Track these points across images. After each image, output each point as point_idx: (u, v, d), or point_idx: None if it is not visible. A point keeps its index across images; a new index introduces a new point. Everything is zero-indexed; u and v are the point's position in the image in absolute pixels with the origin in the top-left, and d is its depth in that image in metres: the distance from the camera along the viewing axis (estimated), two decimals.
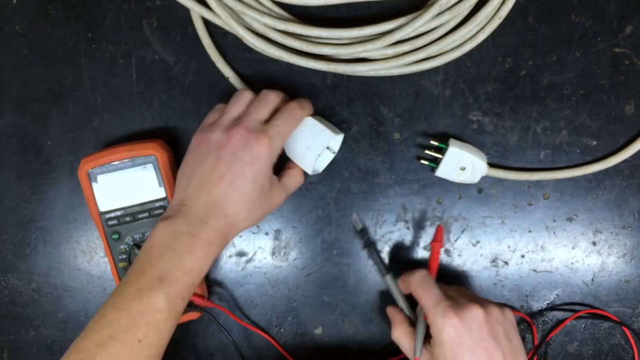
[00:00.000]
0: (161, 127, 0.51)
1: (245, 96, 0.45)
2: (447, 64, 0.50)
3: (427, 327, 0.42)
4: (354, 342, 0.52)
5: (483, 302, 0.42)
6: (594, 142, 0.51)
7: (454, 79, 0.50)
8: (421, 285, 0.43)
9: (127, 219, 0.48)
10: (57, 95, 0.51)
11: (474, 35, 0.49)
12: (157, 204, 0.48)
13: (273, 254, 0.52)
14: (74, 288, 0.53)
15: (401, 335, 0.44)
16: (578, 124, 0.50)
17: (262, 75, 0.51)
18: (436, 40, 0.48)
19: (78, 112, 0.51)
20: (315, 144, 0.45)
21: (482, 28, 0.49)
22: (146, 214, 0.48)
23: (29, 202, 0.52)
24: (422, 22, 0.46)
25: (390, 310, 0.47)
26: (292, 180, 0.47)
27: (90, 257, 0.52)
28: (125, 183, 0.47)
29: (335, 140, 0.49)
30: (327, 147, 0.49)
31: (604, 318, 0.51)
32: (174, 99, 0.51)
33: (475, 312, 0.40)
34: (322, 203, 0.51)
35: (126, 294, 0.38)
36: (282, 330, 0.52)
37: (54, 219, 0.52)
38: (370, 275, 0.52)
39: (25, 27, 0.51)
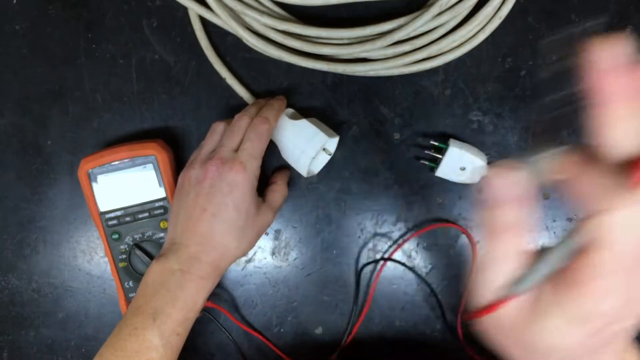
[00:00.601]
0: (161, 127, 0.51)
1: (218, 128, 0.45)
2: (447, 64, 0.50)
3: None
4: (354, 342, 0.52)
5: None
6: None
7: (454, 79, 0.50)
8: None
9: (127, 219, 0.48)
10: (57, 95, 0.51)
11: (474, 35, 0.49)
12: (157, 204, 0.48)
13: (273, 254, 0.52)
14: (74, 288, 0.53)
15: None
16: (578, 124, 0.50)
17: (262, 75, 0.51)
18: (436, 40, 0.48)
19: (78, 112, 0.51)
20: (309, 147, 0.45)
21: (482, 28, 0.49)
22: (146, 214, 0.48)
23: (29, 202, 0.52)
24: (422, 22, 0.46)
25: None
26: (277, 196, 0.47)
27: (90, 257, 0.52)
28: (125, 183, 0.47)
29: (331, 142, 0.49)
30: (324, 149, 0.49)
31: None
32: (174, 99, 0.51)
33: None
34: (322, 203, 0.51)
35: (122, 334, 0.39)
36: (282, 330, 0.52)
37: (54, 219, 0.52)
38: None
39: (25, 27, 0.51)
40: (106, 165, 0.47)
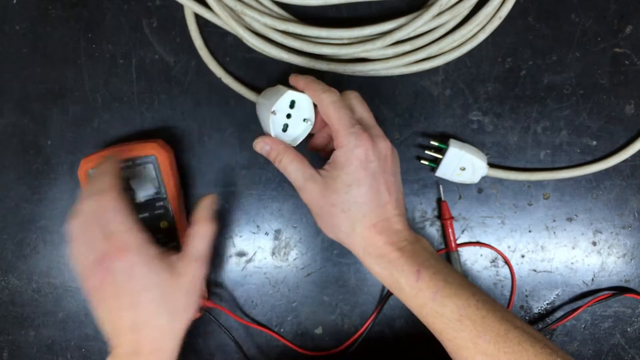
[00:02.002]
0: (161, 127, 0.51)
1: (74, 229, 0.40)
2: (447, 64, 0.50)
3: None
4: (353, 343, 0.52)
5: (383, 134, 0.42)
6: (594, 142, 0.51)
7: (454, 79, 0.50)
8: (335, 104, 0.40)
9: None
10: (57, 95, 0.51)
11: (474, 35, 0.49)
12: (157, 204, 0.48)
13: (273, 254, 0.52)
14: (74, 288, 0.53)
15: (290, 161, 0.41)
16: (578, 124, 0.50)
17: (262, 75, 0.51)
18: (436, 40, 0.48)
19: (78, 112, 0.51)
20: (272, 102, 0.42)
21: (482, 28, 0.49)
22: (146, 214, 0.48)
23: (29, 202, 0.52)
24: (422, 22, 0.46)
25: (268, 141, 0.42)
26: (196, 243, 0.41)
27: None
28: (125, 183, 0.47)
29: (302, 104, 0.43)
30: (304, 119, 0.43)
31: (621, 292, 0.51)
32: (174, 99, 0.51)
33: (385, 145, 0.41)
34: None
35: None
36: (282, 330, 0.52)
37: (54, 219, 0.52)
38: (370, 275, 0.52)
39: (25, 27, 0.51)
40: None
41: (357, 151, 0.39)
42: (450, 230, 0.50)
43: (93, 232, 0.38)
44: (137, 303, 0.38)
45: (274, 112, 0.42)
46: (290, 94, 0.42)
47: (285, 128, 0.43)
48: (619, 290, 0.51)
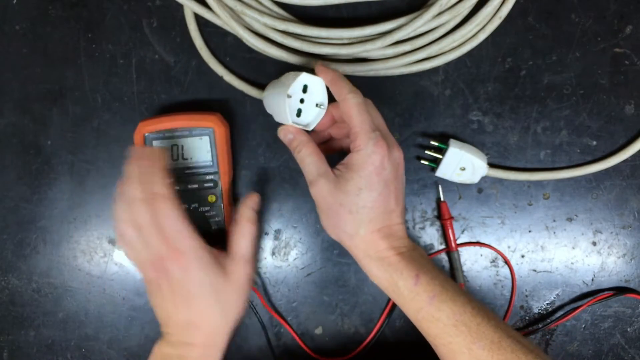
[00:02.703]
0: None
1: (127, 233, 0.41)
2: (447, 64, 0.50)
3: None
4: (354, 342, 0.52)
5: (399, 146, 0.43)
6: (594, 142, 0.51)
7: (454, 79, 0.50)
8: (357, 108, 0.41)
9: (177, 187, 0.47)
10: (57, 95, 0.51)
11: (474, 35, 0.49)
12: (207, 177, 0.47)
13: (273, 254, 0.52)
14: (74, 288, 0.53)
15: (308, 154, 0.42)
16: (578, 124, 0.50)
17: (262, 75, 0.51)
18: (436, 40, 0.48)
19: (78, 112, 0.51)
20: (284, 87, 0.42)
21: (482, 28, 0.49)
22: (195, 185, 0.47)
23: (29, 202, 0.52)
24: (422, 22, 0.46)
25: (292, 130, 0.43)
26: (241, 244, 0.43)
27: (90, 257, 0.52)
28: (179, 152, 0.47)
29: (315, 87, 0.42)
30: (316, 104, 0.43)
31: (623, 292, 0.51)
32: (174, 99, 0.51)
33: (399, 154, 0.42)
34: None
35: None
36: (282, 330, 0.52)
37: (54, 219, 0.52)
38: None
39: (25, 27, 0.51)
40: (163, 132, 0.47)
41: (374, 157, 0.40)
42: (450, 230, 0.50)
43: (150, 233, 0.39)
44: (192, 303, 0.41)
45: (289, 96, 0.42)
46: (305, 77, 0.42)
47: (299, 113, 0.43)
48: (619, 290, 0.51)
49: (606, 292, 0.51)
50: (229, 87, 0.51)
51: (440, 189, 0.50)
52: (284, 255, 0.52)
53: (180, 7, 0.50)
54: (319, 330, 0.52)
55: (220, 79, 0.51)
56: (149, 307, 0.52)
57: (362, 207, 0.40)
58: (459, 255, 0.50)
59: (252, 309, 0.50)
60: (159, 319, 0.42)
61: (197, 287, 0.40)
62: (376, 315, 0.52)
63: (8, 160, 0.52)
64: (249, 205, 0.44)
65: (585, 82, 0.50)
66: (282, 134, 0.44)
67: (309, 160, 0.42)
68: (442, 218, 0.50)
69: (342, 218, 0.41)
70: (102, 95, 0.51)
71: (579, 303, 0.51)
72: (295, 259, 0.52)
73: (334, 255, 0.52)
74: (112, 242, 0.52)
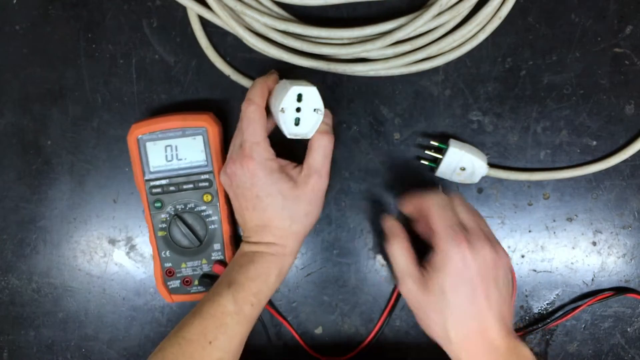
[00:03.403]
0: None
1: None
2: (447, 64, 0.50)
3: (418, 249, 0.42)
4: (354, 342, 0.52)
5: (493, 241, 0.41)
6: (594, 142, 0.51)
7: (454, 79, 0.50)
8: (437, 206, 0.41)
9: (172, 188, 0.48)
10: (57, 95, 0.51)
11: (474, 35, 0.49)
12: (202, 177, 0.48)
13: None
14: (74, 288, 0.53)
15: (399, 250, 0.42)
16: (578, 124, 0.50)
17: (262, 75, 0.51)
18: (436, 40, 0.48)
19: (78, 112, 0.51)
20: (280, 100, 0.42)
21: (482, 28, 0.49)
22: (191, 185, 0.48)
23: (29, 202, 0.52)
24: (422, 22, 0.46)
25: (390, 221, 0.45)
26: (314, 156, 0.44)
27: (90, 257, 0.52)
28: (173, 152, 0.47)
29: (310, 96, 0.42)
30: (314, 110, 0.43)
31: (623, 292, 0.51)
32: (174, 99, 0.51)
33: (488, 252, 0.40)
34: None
35: (203, 300, 0.43)
36: (282, 330, 0.52)
37: (54, 219, 0.52)
38: (370, 275, 0.52)
39: (25, 27, 0.51)
40: (157, 133, 0.47)
41: (454, 257, 0.39)
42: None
43: (235, 135, 0.45)
44: (260, 207, 0.43)
45: (282, 110, 0.42)
46: (295, 89, 0.41)
47: (297, 122, 0.43)
48: (619, 290, 0.51)
49: (606, 292, 0.51)
50: (230, 87, 0.51)
51: (440, 188, 0.50)
52: None
53: (180, 7, 0.50)
54: (319, 330, 0.52)
55: (221, 79, 0.51)
56: (149, 307, 0.52)
57: (447, 309, 0.39)
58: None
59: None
60: (239, 224, 0.47)
61: (265, 192, 0.43)
62: (376, 315, 0.52)
63: (8, 160, 0.52)
64: (323, 120, 0.44)
65: (585, 82, 0.50)
66: (383, 221, 0.46)
67: (400, 257, 0.42)
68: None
69: (431, 319, 0.41)
70: (102, 95, 0.51)
71: (579, 303, 0.51)
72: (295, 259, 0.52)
73: (334, 255, 0.52)
74: (112, 242, 0.52)
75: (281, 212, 0.43)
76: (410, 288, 0.41)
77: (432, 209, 0.42)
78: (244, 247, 0.45)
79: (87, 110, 0.51)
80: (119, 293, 0.52)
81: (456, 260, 0.39)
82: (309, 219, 0.45)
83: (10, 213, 0.52)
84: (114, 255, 0.52)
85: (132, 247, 0.52)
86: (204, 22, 0.50)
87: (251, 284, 0.43)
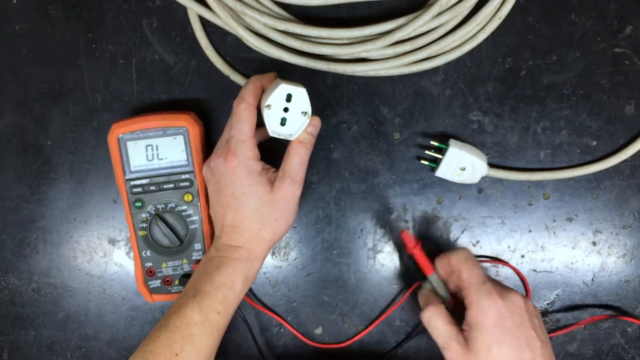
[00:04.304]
0: None
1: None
2: (447, 64, 0.50)
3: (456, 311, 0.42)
4: (354, 342, 0.52)
5: (515, 290, 0.42)
6: (594, 142, 0.51)
7: (454, 79, 0.50)
8: (466, 263, 0.42)
9: (152, 188, 0.48)
10: (57, 95, 0.51)
11: (474, 35, 0.49)
12: (183, 177, 0.48)
13: (273, 254, 0.52)
14: (74, 288, 0.53)
15: (436, 316, 0.42)
16: (578, 124, 0.50)
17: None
18: (436, 40, 0.48)
19: (78, 112, 0.51)
20: (267, 98, 0.42)
21: (482, 28, 0.49)
22: (171, 185, 0.48)
23: (29, 202, 0.52)
24: (422, 22, 0.46)
25: (424, 292, 0.46)
26: (290, 162, 0.43)
27: (90, 257, 0.52)
28: (153, 152, 0.47)
29: (297, 96, 0.42)
30: (302, 112, 0.42)
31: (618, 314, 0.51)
32: (174, 99, 0.51)
33: (517, 299, 0.40)
34: (322, 203, 0.51)
35: (169, 311, 0.42)
36: (282, 330, 0.52)
37: (54, 219, 0.52)
38: (370, 275, 0.52)
39: (25, 27, 0.51)
40: (137, 132, 0.47)
41: (490, 310, 0.39)
42: (421, 258, 0.46)
43: (225, 129, 0.45)
44: (235, 206, 0.43)
45: (268, 107, 0.42)
46: (284, 87, 0.41)
47: (283, 122, 0.43)
48: (615, 310, 0.51)
49: (600, 314, 0.51)
50: (230, 87, 0.51)
51: (403, 215, 0.50)
52: (284, 255, 0.52)
53: (180, 7, 0.50)
54: (319, 330, 0.52)
55: (220, 79, 0.51)
56: (149, 307, 0.52)
57: None
58: (437, 278, 0.46)
59: (240, 315, 0.50)
60: (214, 224, 0.46)
61: (242, 192, 0.42)
62: (376, 315, 0.52)
63: (8, 160, 0.52)
64: (306, 129, 0.43)
65: (585, 82, 0.50)
66: (419, 296, 0.46)
67: (439, 324, 0.42)
68: (407, 248, 0.46)
69: None
70: (102, 95, 0.51)
71: (572, 321, 0.51)
72: (295, 259, 0.52)
73: (334, 255, 0.52)
74: (112, 242, 0.52)
75: (253, 214, 0.43)
76: (457, 352, 0.40)
77: (462, 266, 0.42)
78: (212, 252, 0.44)
79: (87, 110, 0.51)
80: (119, 293, 0.52)
81: (492, 313, 0.39)
82: (278, 226, 0.44)
83: (10, 213, 0.52)
84: (114, 255, 0.52)
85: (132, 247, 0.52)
86: (204, 22, 0.50)
87: (217, 292, 0.42)
